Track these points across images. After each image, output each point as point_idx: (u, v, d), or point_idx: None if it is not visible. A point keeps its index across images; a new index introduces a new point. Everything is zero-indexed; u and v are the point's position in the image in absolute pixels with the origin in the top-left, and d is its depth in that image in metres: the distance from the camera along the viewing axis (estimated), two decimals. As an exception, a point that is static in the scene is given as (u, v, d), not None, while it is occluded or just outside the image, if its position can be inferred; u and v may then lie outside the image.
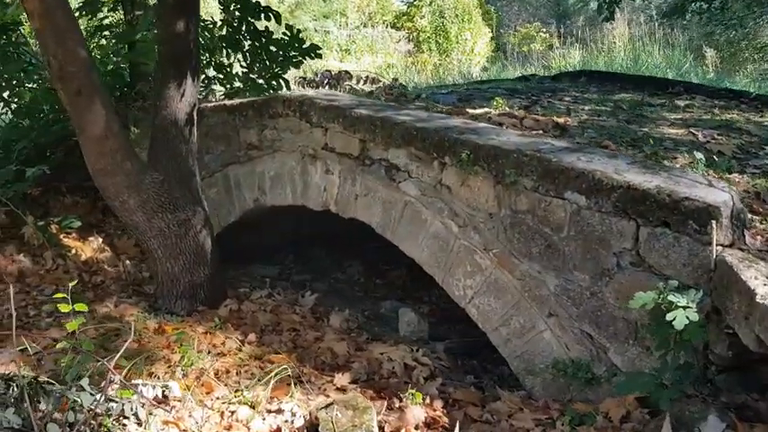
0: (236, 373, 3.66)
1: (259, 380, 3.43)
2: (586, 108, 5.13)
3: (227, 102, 5.10)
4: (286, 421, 2.98)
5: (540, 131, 4.08)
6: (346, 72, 11.91)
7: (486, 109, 4.75)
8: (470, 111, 4.67)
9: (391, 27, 24.16)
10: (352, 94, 4.93)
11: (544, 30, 21.89)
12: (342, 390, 3.52)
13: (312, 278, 5.97)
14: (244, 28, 6.63)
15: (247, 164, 5.07)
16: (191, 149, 4.63)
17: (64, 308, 3.25)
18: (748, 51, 16.33)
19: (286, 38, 6.71)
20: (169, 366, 3.64)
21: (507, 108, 4.80)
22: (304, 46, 6.70)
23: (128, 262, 5.38)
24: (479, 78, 12.79)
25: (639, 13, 16.87)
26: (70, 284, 3.27)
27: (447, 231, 3.69)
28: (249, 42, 6.71)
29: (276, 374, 3.36)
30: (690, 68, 11.65)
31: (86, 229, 6.05)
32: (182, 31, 4.42)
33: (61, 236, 5.76)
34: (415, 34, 22.33)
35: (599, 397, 3.10)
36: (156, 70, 4.52)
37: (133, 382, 2.92)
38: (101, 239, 5.85)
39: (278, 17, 6.64)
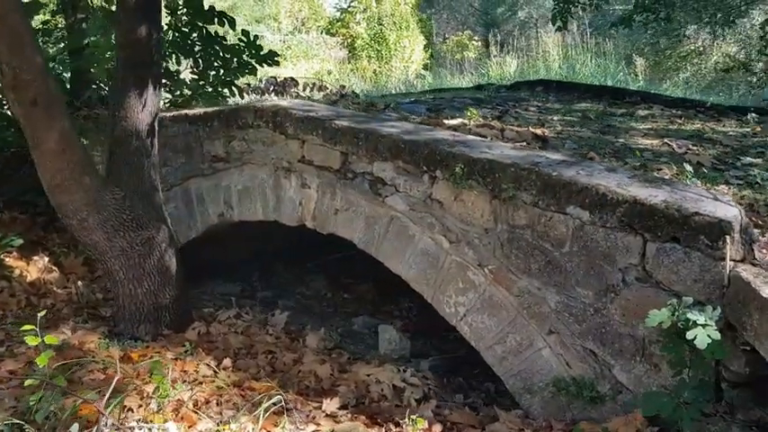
0: (217, 403, 3.42)
1: (242, 410, 3.22)
2: (556, 118, 5.13)
3: (189, 111, 4.83)
4: (283, 456, 2.80)
5: (524, 143, 4.02)
6: (292, 79, 11.68)
7: (461, 120, 4.67)
8: (446, 121, 4.58)
9: (325, 33, 24.05)
10: (327, 105, 4.74)
11: (476, 39, 22.23)
12: (332, 417, 3.34)
13: (276, 294, 5.75)
14: (196, 33, 6.39)
15: (212, 177, 4.82)
16: (153, 162, 4.36)
17: (31, 340, 2.98)
18: (672, 60, 17.04)
19: (242, 44, 6.48)
20: (142, 398, 3.36)
21: (481, 119, 4.74)
22: (262, 53, 6.50)
23: (79, 283, 5.04)
24: (423, 87, 12.80)
25: (572, 23, 17.25)
26: (39, 314, 2.96)
27: (437, 247, 3.57)
28: (200, 48, 6.47)
29: (264, 404, 3.15)
30: (623, 77, 12.02)
31: (28, 248, 5.65)
32: (143, 36, 4.16)
33: (1, 255, 5.34)
34: (350, 41, 22.28)
35: (602, 415, 3.04)
36: (115, 78, 4.23)
37: (128, 425, 2.65)
38: (46, 258, 5.46)
39: (232, 22, 6.41)
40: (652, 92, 7.26)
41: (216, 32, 6.48)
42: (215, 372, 3.78)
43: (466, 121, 4.56)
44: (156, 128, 4.37)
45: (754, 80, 9.98)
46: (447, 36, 23.74)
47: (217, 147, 4.68)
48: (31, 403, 2.88)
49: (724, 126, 5.12)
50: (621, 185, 2.92)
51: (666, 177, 3.31)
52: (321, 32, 24.41)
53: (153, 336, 4.26)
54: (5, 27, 3.47)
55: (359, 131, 3.77)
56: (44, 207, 6.45)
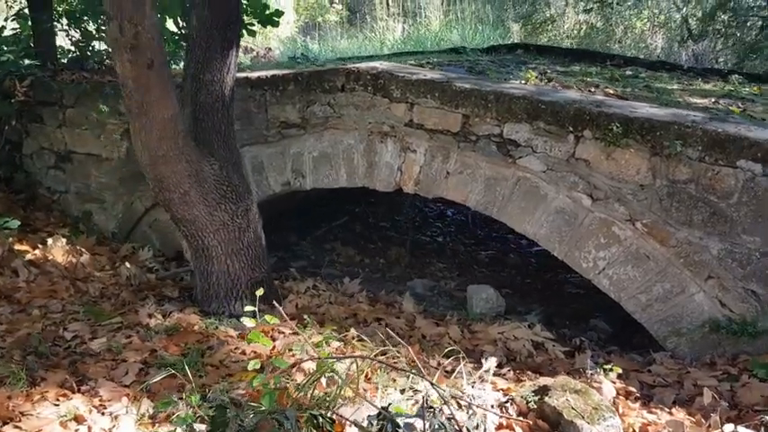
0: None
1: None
2: (588, 80, 5.34)
3: (251, 74, 4.50)
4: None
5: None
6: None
7: (520, 82, 4.74)
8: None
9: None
10: (417, 67, 4.61)
11: (337, 1, 22.10)
12: (500, 376, 3.37)
13: (311, 263, 5.60)
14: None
15: (276, 144, 4.55)
16: (234, 130, 4.06)
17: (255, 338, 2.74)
18: (542, 25, 18.15)
19: (244, 2, 6.06)
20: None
21: (536, 81, 4.84)
22: (267, 12, 6.12)
23: (127, 264, 4.57)
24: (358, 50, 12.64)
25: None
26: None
27: (576, 205, 3.69)
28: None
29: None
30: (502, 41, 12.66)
31: (22, 230, 5.04)
32: (232, -9, 3.82)
33: (11, 240, 4.74)
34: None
35: (757, 349, 3.37)
36: (195, 38, 3.85)
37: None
38: (64, 240, 4.89)
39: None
40: (629, 55, 7.73)
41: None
42: (343, 342, 3.64)
43: (524, 83, 4.64)
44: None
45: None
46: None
47: (289, 112, 4.42)
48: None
49: (731, 86, 5.62)
50: (786, 139, 3.20)
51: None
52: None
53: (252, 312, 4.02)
54: (131, -23, 3.06)
55: (487, 93, 3.76)
56: (23, 183, 5.77)
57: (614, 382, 3.25)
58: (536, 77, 4.89)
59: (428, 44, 12.65)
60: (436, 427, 1.92)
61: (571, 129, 3.58)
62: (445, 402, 2.11)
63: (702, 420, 2.84)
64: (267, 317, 2.77)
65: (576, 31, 16.08)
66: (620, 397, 3.13)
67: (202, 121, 3.87)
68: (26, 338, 3.49)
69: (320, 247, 6.05)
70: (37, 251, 4.77)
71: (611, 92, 4.54)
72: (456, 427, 1.97)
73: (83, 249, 4.78)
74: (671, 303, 3.56)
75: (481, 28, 14.55)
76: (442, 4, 16.54)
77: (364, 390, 2.81)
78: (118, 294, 4.29)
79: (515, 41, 9.65)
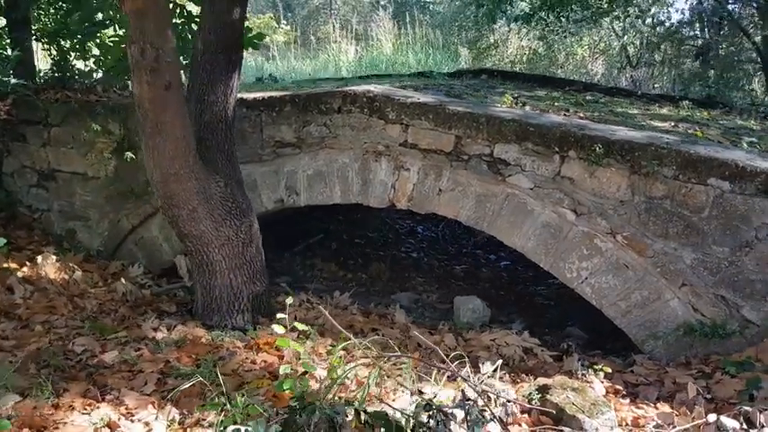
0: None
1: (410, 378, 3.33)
2: (557, 104, 5.72)
3: (247, 95, 4.67)
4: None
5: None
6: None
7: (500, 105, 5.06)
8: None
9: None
10: (414, 89, 4.86)
11: (284, 22, 22.38)
12: (499, 379, 3.62)
13: (296, 279, 5.76)
14: (178, 11, 6.03)
15: (270, 163, 4.73)
16: (235, 149, 4.24)
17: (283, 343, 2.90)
18: (486, 50, 18.86)
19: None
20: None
21: (512, 105, 5.18)
22: (249, 34, 6.29)
23: (122, 280, 4.64)
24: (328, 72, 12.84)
25: (406, 14, 18.23)
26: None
27: (560, 220, 4.00)
28: (180, 26, 6.11)
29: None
30: (453, 64, 13.22)
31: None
32: (236, 18, 4.06)
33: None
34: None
35: (726, 349, 3.72)
36: (199, 61, 4.01)
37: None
38: (54, 257, 4.92)
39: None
40: (586, 81, 8.22)
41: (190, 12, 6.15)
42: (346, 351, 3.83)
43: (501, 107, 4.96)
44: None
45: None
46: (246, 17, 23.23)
47: (284, 132, 4.61)
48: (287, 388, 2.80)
49: (684, 111, 6.11)
50: (750, 159, 3.59)
51: None
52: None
53: (252, 324, 4.16)
54: (155, 3, 3.24)
55: (478, 116, 4.05)
56: (4, 202, 5.75)
57: (602, 382, 3.55)
58: (512, 101, 5.23)
59: (383, 67, 12.97)
60: (474, 416, 2.14)
61: (557, 149, 3.90)
62: (479, 395, 2.33)
63: (687, 412, 3.14)
64: (297, 324, 2.94)
65: (519, 57, 16.77)
66: (610, 394, 3.43)
67: (207, 140, 4.02)
68: (37, 353, 3.55)
69: (301, 263, 6.22)
70: (25, 268, 4.79)
71: (582, 115, 4.90)
72: (490, 415, 2.20)
73: (75, 266, 4.82)
74: (648, 309, 3.89)
75: (432, 52, 14.99)
76: (393, 27, 16.95)
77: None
78: (116, 310, 4.36)
79: (481, 67, 10.06)
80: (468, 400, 2.20)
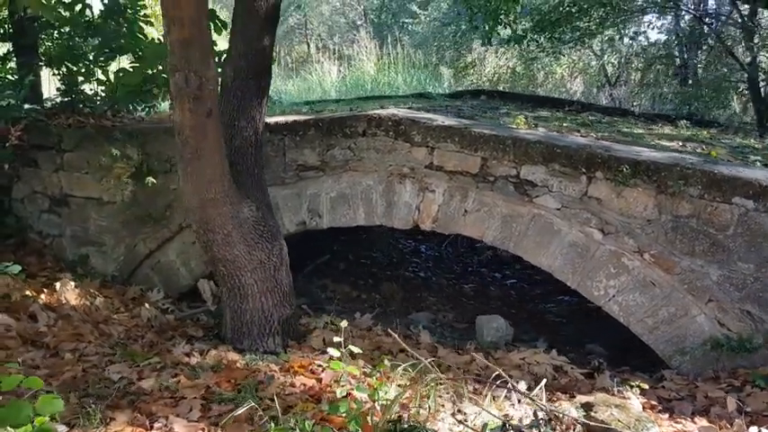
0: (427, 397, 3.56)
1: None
2: (565, 125, 5.86)
3: (269, 119, 4.70)
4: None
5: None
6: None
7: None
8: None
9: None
10: (429, 112, 4.94)
11: None
12: (536, 398, 3.67)
13: (312, 301, 5.75)
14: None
15: (293, 186, 4.76)
16: (264, 173, 4.27)
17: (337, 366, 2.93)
18: (465, 69, 19.16)
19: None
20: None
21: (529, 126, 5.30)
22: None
23: (146, 305, 4.61)
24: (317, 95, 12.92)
25: (387, 35, 18.47)
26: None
27: (587, 239, 4.09)
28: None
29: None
30: (437, 84, 13.45)
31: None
32: (267, 44, 4.11)
33: (23, 287, 4.71)
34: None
35: (752, 363, 3.83)
36: (231, 87, 4.04)
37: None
38: (72, 283, 4.88)
39: (225, 25, 6.16)
40: (583, 100, 8.39)
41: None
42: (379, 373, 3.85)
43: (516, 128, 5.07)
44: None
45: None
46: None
47: (307, 155, 4.65)
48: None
49: (686, 131, 6.29)
50: (772, 179, 3.72)
51: None
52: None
53: (282, 348, 4.17)
54: (200, 32, 3.29)
55: (504, 138, 4.13)
56: (14, 228, 5.69)
57: (638, 398, 3.62)
58: (525, 122, 5.34)
59: (369, 87, 13.09)
60: (548, 434, 2.20)
61: (584, 170, 4.00)
62: (548, 415, 2.39)
63: (728, 426, 3.23)
64: (351, 347, 2.96)
65: (497, 76, 17.04)
66: (647, 410, 3.50)
67: (237, 165, 4.05)
68: (72, 381, 3.51)
69: (313, 285, 6.23)
70: (44, 295, 4.73)
71: (597, 136, 5.03)
72: (561, 433, 2.25)
73: (96, 292, 4.78)
74: (675, 325, 3.98)
75: (414, 71, 15.16)
76: (375, 47, 17.11)
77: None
78: (143, 336, 4.33)
79: (478, 87, 10.18)
80: (541, 419, 2.25)
